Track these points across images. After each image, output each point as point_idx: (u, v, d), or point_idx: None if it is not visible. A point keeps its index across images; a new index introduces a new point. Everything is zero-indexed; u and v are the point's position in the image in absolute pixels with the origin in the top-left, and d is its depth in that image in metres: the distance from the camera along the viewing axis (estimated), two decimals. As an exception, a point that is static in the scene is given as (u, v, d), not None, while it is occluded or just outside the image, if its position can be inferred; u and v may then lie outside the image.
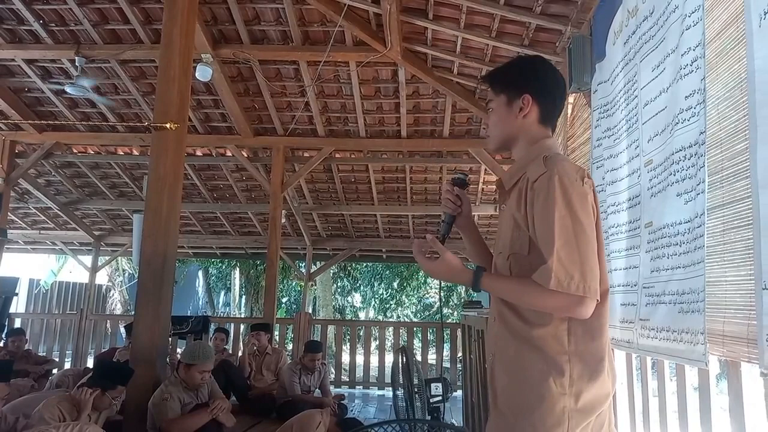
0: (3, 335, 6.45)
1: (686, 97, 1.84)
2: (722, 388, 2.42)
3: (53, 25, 5.58)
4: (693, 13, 1.82)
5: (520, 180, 1.43)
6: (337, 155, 7.59)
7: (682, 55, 1.88)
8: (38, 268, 14.19)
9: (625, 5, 2.60)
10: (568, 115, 4.47)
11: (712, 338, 1.80)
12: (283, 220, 8.28)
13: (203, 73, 5.35)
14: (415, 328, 8.76)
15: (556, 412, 1.27)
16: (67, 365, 8.28)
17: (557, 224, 1.27)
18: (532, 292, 1.31)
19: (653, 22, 2.21)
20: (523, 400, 1.32)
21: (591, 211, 1.32)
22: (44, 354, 7.70)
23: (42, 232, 10.15)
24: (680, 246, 1.86)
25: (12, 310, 8.74)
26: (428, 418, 3.40)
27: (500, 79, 1.56)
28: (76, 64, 5.67)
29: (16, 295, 9.52)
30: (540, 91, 1.50)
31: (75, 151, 7.96)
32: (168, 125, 3.72)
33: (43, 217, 9.78)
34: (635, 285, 2.30)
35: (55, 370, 6.10)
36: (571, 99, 4.44)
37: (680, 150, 1.87)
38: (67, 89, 5.82)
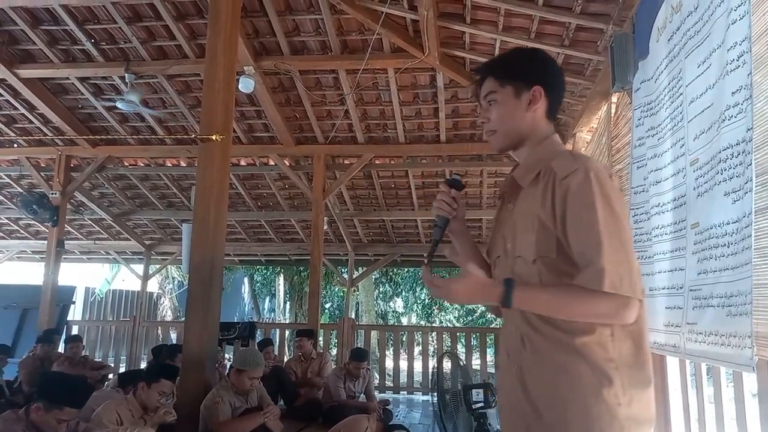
0: (62, 341, 6.75)
1: (733, 93, 1.79)
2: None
3: (104, 43, 5.84)
4: (739, 6, 1.77)
5: (540, 176, 1.32)
6: (377, 161, 7.64)
7: (728, 50, 1.82)
8: (93, 277, 14.80)
9: (668, 1, 2.53)
10: (612, 115, 4.37)
11: (762, 342, 1.73)
12: (326, 227, 8.37)
13: (246, 85, 5.48)
14: (458, 333, 8.72)
15: (615, 426, 1.19)
16: (122, 370, 8.57)
17: (602, 224, 1.17)
18: (579, 299, 1.19)
19: (698, 17, 2.15)
20: (578, 413, 1.22)
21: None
22: (100, 360, 8.00)
23: (96, 242, 10.60)
24: (728, 247, 1.80)
25: (69, 317, 9.17)
26: (474, 424, 3.38)
27: (507, 69, 1.43)
28: (126, 80, 5.92)
29: (73, 303, 9.99)
30: (549, 83, 1.40)
31: (126, 163, 8.28)
32: (213, 137, 3.83)
33: (98, 228, 10.21)
34: (681, 288, 2.23)
35: (111, 375, 6.34)
36: (614, 98, 4.34)
37: (727, 148, 1.81)
38: (118, 105, 6.07)
